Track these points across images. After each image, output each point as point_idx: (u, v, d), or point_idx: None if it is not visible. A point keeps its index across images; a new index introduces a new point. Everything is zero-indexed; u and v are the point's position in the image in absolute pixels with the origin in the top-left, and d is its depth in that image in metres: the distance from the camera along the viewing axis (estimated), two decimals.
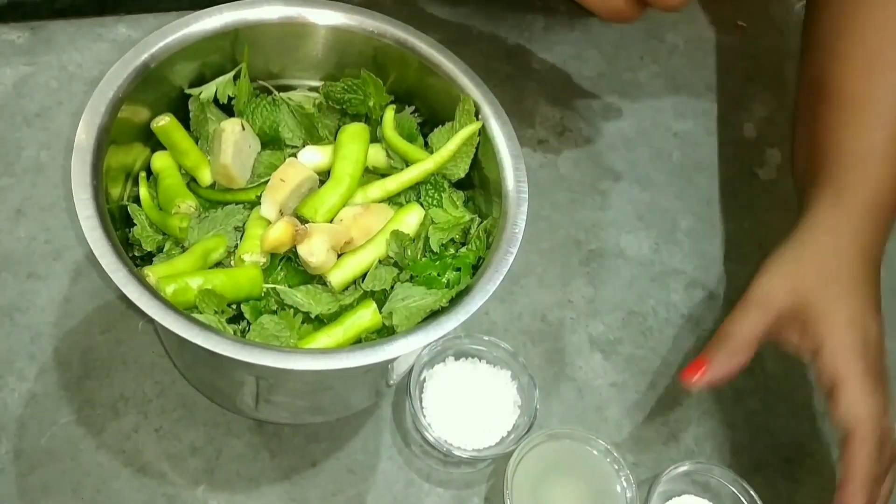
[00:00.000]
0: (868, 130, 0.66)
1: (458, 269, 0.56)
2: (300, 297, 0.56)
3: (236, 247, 0.57)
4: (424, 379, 0.65)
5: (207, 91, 0.59)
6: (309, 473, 0.63)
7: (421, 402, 0.64)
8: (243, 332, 0.55)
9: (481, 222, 0.60)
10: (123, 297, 0.48)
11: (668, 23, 0.93)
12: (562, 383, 0.70)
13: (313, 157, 0.60)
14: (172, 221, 0.57)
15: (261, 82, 0.63)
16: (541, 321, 0.73)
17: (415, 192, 0.61)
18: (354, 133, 0.60)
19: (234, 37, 0.59)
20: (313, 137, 0.62)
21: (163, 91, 0.58)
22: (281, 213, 0.57)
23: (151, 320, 0.48)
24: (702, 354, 0.62)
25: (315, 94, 0.63)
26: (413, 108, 0.64)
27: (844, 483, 0.57)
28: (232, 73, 0.60)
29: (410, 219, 0.59)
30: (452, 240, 0.60)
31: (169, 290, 0.52)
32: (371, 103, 0.62)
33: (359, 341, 0.55)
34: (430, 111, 0.64)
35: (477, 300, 0.53)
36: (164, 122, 0.58)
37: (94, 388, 0.63)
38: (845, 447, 0.58)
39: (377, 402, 0.66)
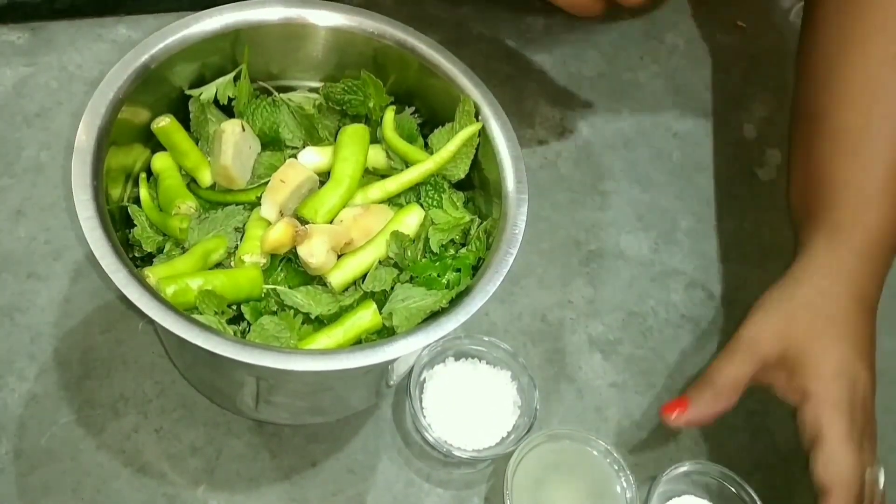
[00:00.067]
0: (863, 164, 0.64)
1: (458, 270, 0.56)
2: (300, 297, 0.56)
3: (236, 248, 0.58)
4: (424, 379, 0.65)
5: (208, 92, 0.59)
6: (309, 473, 0.63)
7: (421, 402, 0.64)
8: (243, 333, 0.55)
9: (481, 223, 0.60)
10: (123, 298, 0.48)
11: (668, 23, 0.93)
12: (562, 384, 0.70)
13: (313, 158, 0.60)
14: (173, 222, 0.57)
15: (261, 83, 0.63)
16: (541, 322, 0.73)
17: (415, 192, 0.61)
18: (354, 134, 0.60)
19: (234, 38, 0.59)
20: (313, 138, 0.62)
21: (163, 92, 0.58)
22: (281, 214, 0.57)
23: (151, 321, 0.48)
24: (684, 394, 0.61)
25: (315, 95, 0.63)
26: (413, 108, 0.64)
27: None
28: (232, 74, 0.60)
29: (410, 220, 0.59)
30: (452, 241, 0.60)
31: (169, 290, 0.52)
32: (371, 104, 0.62)
33: (359, 342, 0.55)
34: (430, 112, 0.64)
35: (477, 301, 0.53)
36: (165, 123, 0.58)
37: (94, 388, 0.63)
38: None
39: (377, 403, 0.66)
